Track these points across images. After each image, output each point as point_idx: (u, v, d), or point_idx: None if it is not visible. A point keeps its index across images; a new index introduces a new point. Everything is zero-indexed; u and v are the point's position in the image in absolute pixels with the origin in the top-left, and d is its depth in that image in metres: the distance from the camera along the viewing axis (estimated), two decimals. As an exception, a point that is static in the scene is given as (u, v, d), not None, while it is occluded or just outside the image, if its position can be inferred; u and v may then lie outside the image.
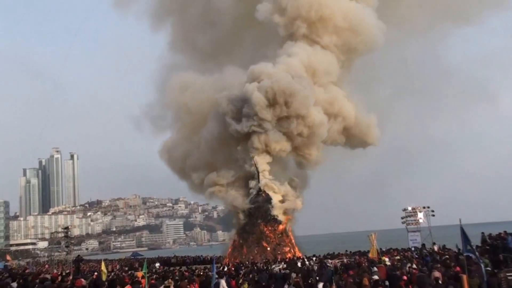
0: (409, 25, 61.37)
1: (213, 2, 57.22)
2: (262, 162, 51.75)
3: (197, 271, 33.51)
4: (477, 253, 16.13)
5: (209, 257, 56.01)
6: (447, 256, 28.82)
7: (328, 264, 30.52)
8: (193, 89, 57.76)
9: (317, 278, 21.95)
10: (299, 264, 33.66)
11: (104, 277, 24.33)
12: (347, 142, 56.72)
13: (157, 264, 52.27)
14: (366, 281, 17.00)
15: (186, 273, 29.74)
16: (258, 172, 50.83)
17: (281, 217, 52.10)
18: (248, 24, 56.93)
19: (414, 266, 24.00)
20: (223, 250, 58.36)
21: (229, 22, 57.98)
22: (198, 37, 62.55)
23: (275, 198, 51.75)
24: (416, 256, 33.43)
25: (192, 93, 57.56)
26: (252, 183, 52.37)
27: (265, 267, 32.99)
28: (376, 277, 18.23)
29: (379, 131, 57.00)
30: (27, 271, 40.22)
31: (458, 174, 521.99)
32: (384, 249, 39.88)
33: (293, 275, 23.26)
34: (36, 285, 16.54)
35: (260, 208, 51.41)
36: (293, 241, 52.79)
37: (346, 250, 47.07)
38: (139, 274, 18.02)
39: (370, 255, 35.00)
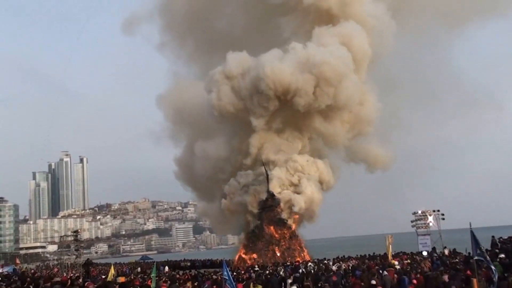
0: (416, 30, 61.35)
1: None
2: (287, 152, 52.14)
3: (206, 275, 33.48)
4: (487, 257, 16.02)
5: (218, 261, 55.98)
6: (456, 260, 28.74)
7: (334, 268, 30.45)
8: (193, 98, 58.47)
9: (326, 283, 21.90)
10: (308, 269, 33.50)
11: (110, 278, 24.47)
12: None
13: (166, 268, 52.38)
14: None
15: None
16: (267, 175, 50.70)
17: (290, 221, 51.93)
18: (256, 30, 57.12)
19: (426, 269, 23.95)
20: (233, 253, 58.19)
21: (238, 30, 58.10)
22: (206, 52, 63.07)
23: (286, 200, 51.48)
24: (425, 259, 33.33)
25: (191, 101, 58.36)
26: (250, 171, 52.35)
27: (274, 271, 32.97)
28: (373, 282, 18.19)
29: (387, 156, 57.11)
30: (36, 275, 40.35)
31: (468, 178, 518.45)
32: (394, 253, 39.70)
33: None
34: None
35: (269, 211, 51.26)
36: (302, 244, 52.63)
37: (357, 254, 46.92)
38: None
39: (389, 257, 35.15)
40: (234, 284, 17.33)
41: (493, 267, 15.56)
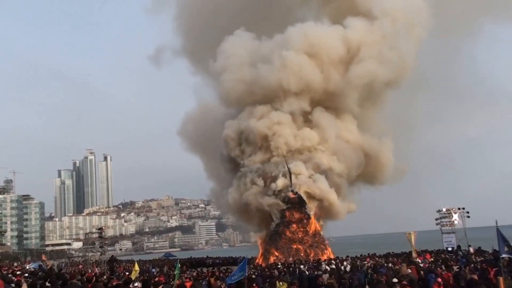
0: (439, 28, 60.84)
1: None
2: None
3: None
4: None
5: (241, 258, 55.96)
6: (482, 258, 28.40)
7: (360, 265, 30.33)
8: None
9: (350, 281, 21.81)
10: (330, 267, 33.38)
11: (134, 276, 24.61)
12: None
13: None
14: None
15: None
16: (290, 173, 50.44)
17: (313, 218, 51.75)
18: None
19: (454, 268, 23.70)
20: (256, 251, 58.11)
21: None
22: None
23: (309, 198, 51.29)
24: (450, 257, 33.04)
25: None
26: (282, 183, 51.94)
27: (296, 268, 32.89)
28: (395, 280, 18.04)
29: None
30: (61, 271, 40.77)
31: (493, 175, 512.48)
32: (418, 251, 39.48)
33: (326, 276, 23.14)
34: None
35: (292, 208, 51.10)
36: (326, 242, 52.46)
37: (375, 253, 46.69)
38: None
39: (414, 254, 35.28)
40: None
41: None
